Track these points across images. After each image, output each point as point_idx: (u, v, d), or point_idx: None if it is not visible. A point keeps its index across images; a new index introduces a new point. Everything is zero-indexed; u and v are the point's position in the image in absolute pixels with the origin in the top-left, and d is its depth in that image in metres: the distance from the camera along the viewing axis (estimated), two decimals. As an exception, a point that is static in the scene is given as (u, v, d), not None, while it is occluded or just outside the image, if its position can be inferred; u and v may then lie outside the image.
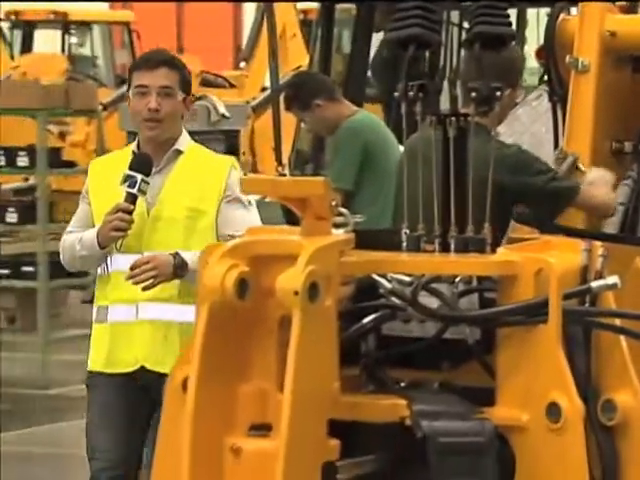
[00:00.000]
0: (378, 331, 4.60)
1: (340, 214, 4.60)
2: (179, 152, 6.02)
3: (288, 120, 8.96)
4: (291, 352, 4.21)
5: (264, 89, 16.21)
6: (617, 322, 4.58)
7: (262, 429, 4.33)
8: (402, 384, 4.58)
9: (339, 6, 9.44)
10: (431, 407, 4.39)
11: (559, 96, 6.25)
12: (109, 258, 5.94)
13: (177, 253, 5.82)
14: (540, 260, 4.48)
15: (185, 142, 6.07)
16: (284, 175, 8.66)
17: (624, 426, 4.52)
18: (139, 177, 5.77)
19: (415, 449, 4.36)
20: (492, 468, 4.32)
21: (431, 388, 4.59)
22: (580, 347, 4.51)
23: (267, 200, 8.73)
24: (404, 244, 4.63)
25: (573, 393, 4.36)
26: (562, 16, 6.25)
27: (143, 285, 5.83)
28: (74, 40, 20.58)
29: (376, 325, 4.57)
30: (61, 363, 12.15)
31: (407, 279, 4.54)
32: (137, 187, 5.76)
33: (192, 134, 9.94)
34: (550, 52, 6.24)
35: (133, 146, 6.04)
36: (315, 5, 9.81)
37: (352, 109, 7.25)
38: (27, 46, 19.88)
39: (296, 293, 4.19)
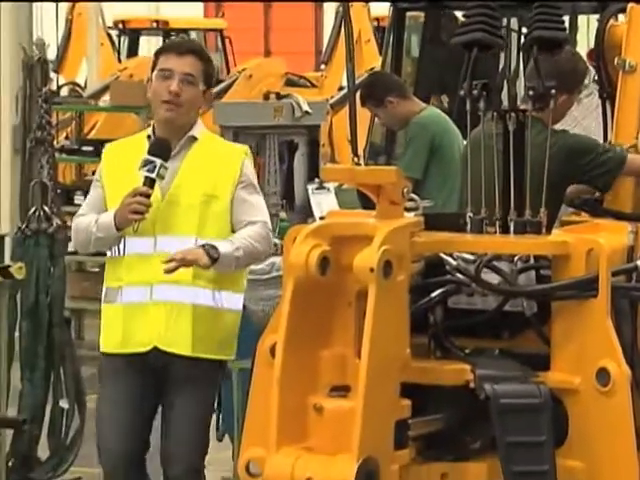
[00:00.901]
0: (445, 304, 4.60)
1: (411, 199, 4.59)
2: (194, 138, 5.51)
3: (363, 116, 8.94)
4: (367, 322, 4.22)
5: (341, 88, 16.20)
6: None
7: (341, 390, 4.34)
8: (466, 351, 4.57)
9: (409, 13, 9.41)
10: (492, 372, 4.38)
11: (608, 94, 6.22)
12: (123, 241, 5.45)
13: (202, 244, 5.36)
14: (591, 241, 4.46)
15: (200, 130, 5.56)
16: (359, 165, 8.64)
17: (667, 389, 4.51)
18: (158, 162, 5.29)
19: (478, 409, 4.36)
20: (547, 426, 4.31)
21: (492, 355, 4.58)
22: (627, 319, 4.50)
23: (344, 187, 8.78)
24: (468, 226, 4.62)
25: (620, 360, 4.34)
26: (611, 22, 6.21)
27: (186, 265, 5.32)
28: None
29: (443, 298, 4.58)
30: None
31: (471, 257, 4.54)
32: (156, 172, 5.29)
33: (279, 128, 10.02)
34: (600, 54, 6.20)
35: (149, 131, 5.57)
36: (387, 13, 9.77)
37: (421, 106, 7.24)
38: (133, 51, 19.98)
39: (372, 270, 4.20)
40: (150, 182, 5.31)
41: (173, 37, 20.13)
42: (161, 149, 5.34)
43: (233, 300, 5.56)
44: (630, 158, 5.72)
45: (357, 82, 9.49)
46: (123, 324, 5.43)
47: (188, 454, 5.55)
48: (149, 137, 5.47)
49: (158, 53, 5.55)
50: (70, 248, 5.72)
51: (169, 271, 5.24)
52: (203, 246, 5.28)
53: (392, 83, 7.46)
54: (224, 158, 5.52)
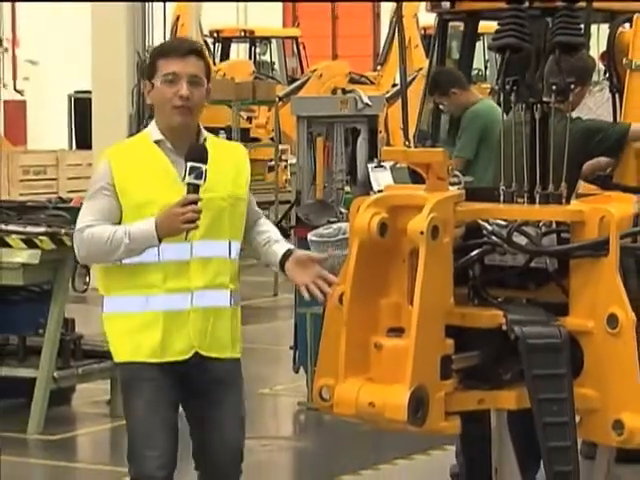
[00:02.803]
0: (482, 261, 4.57)
1: (455, 175, 4.57)
2: (206, 141, 4.46)
3: (413, 108, 8.90)
4: (418, 276, 4.20)
5: (394, 85, 16.15)
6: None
7: (397, 331, 4.33)
8: (499, 300, 4.54)
9: (451, 23, 9.35)
10: (521, 317, 4.35)
11: (617, 89, 6.16)
12: (158, 249, 4.34)
13: (289, 250, 4.54)
14: (603, 210, 4.42)
15: (204, 130, 4.50)
16: (410, 147, 8.60)
17: (666, 332, 4.46)
18: (204, 167, 4.26)
19: (509, 347, 4.33)
20: (566, 362, 4.28)
21: (521, 303, 4.55)
22: (632, 273, 4.45)
23: (398, 166, 8.75)
24: (501, 197, 4.58)
25: (627, 307, 4.30)
26: (620, 29, 6.15)
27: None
28: (258, 50, 20.65)
29: (480, 257, 4.54)
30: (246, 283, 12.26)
31: (503, 223, 4.51)
32: (204, 177, 4.26)
33: (344, 117, 10.02)
34: (610, 56, 6.15)
35: (151, 135, 4.42)
36: (433, 23, 9.71)
37: (478, 97, 7.17)
38: (225, 55, 20.01)
39: (422, 233, 4.19)
40: (195, 189, 4.28)
41: (257, 44, 20.15)
42: (201, 154, 4.32)
43: (237, 298, 4.58)
44: (633, 126, 5.67)
45: (407, 80, 9.44)
46: (162, 332, 4.33)
47: (239, 451, 4.57)
48: (158, 142, 4.39)
49: (156, 57, 4.43)
50: (81, 254, 4.39)
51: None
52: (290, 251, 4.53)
53: (455, 77, 7.40)
54: (234, 158, 4.54)
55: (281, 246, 4.51)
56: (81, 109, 17.11)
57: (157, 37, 10.17)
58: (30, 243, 7.35)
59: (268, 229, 4.61)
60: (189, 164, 4.26)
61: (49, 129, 23.27)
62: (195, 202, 4.26)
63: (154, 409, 4.34)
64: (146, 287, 4.33)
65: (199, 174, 4.26)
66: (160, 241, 4.27)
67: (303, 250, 4.38)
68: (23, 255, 7.32)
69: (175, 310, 4.34)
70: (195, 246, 4.35)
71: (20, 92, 25.70)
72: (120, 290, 4.36)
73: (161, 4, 10.17)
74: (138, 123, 8.78)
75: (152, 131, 4.41)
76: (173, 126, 4.37)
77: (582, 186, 5.58)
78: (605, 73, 6.37)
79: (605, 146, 5.54)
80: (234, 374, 4.52)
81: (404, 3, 9.56)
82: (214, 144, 4.46)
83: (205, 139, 4.42)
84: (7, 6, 25.36)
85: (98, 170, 4.41)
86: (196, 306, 4.37)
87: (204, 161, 4.27)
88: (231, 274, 4.44)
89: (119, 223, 4.33)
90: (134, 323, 4.35)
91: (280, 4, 24.42)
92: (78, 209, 7.97)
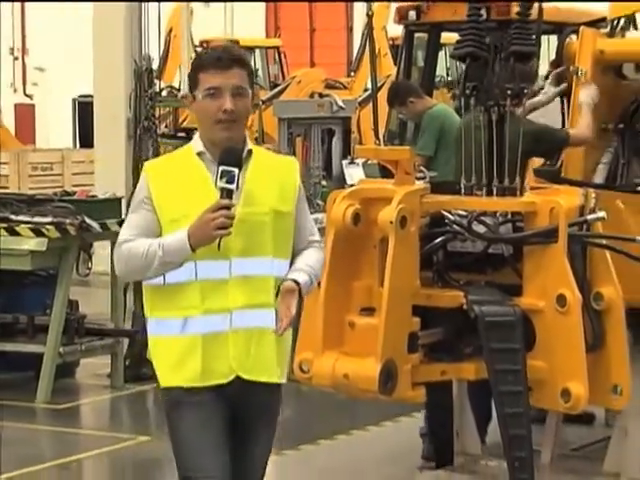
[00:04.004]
0: (445, 248, 4.57)
1: (420, 171, 4.57)
2: (250, 152, 3.70)
3: (382, 110, 8.89)
4: (388, 261, 4.20)
5: (366, 90, 16.12)
6: (603, 242, 4.52)
7: (369, 310, 4.33)
8: (460, 282, 4.54)
9: (416, 35, 9.35)
10: (480, 297, 4.36)
11: (565, 93, 6.15)
12: (194, 266, 3.61)
13: (295, 280, 3.63)
14: (553, 201, 4.42)
15: (249, 141, 3.77)
16: (380, 146, 8.59)
17: (608, 309, 4.47)
18: (236, 171, 3.56)
19: (469, 325, 4.34)
20: (520, 337, 4.29)
21: (480, 285, 4.55)
22: (579, 258, 4.46)
23: (370, 162, 8.75)
24: (462, 190, 4.58)
25: (574, 288, 4.31)
26: (567, 39, 6.14)
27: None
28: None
29: (443, 244, 4.55)
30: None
31: (464, 214, 4.51)
32: (236, 181, 3.55)
33: (321, 119, 10.02)
34: (560, 63, 6.14)
35: (196, 148, 3.71)
36: (400, 34, 9.71)
37: (433, 102, 7.16)
38: (213, 63, 19.89)
39: (391, 222, 4.19)
40: (228, 194, 3.56)
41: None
42: (234, 158, 3.62)
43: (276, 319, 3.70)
44: (571, 134, 5.67)
45: (377, 85, 9.43)
46: (202, 355, 3.62)
47: None
48: (200, 154, 3.69)
49: (198, 70, 3.71)
50: (120, 269, 3.71)
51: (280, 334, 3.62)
52: (297, 285, 3.62)
53: (411, 87, 7.38)
54: (281, 171, 3.75)
55: (289, 274, 3.68)
56: (84, 112, 17.05)
57: (152, 47, 10.14)
58: (38, 232, 7.32)
59: (302, 255, 3.72)
60: (220, 167, 3.56)
61: (55, 130, 23.19)
62: (228, 207, 3.53)
63: (201, 430, 3.64)
64: (184, 308, 3.63)
65: (231, 178, 3.56)
66: (194, 250, 3.55)
67: (289, 280, 3.62)
68: (31, 243, 7.29)
69: (214, 332, 3.61)
70: (234, 263, 3.61)
71: (29, 96, 25.59)
72: (160, 311, 3.67)
73: (156, 18, 10.13)
74: (135, 125, 8.74)
75: (195, 143, 3.72)
76: (217, 141, 3.65)
77: (533, 180, 5.57)
78: (547, 78, 6.37)
79: (546, 148, 5.53)
80: (275, 402, 3.72)
81: (374, 17, 9.51)
82: (260, 155, 3.73)
83: (250, 150, 3.69)
84: (17, 17, 25.22)
85: (139, 184, 3.78)
86: (236, 327, 3.61)
87: (237, 164, 3.57)
88: (274, 293, 3.64)
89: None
90: (175, 347, 3.65)
91: (263, 18, 24.37)
92: (81, 201, 8.02)
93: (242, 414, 3.68)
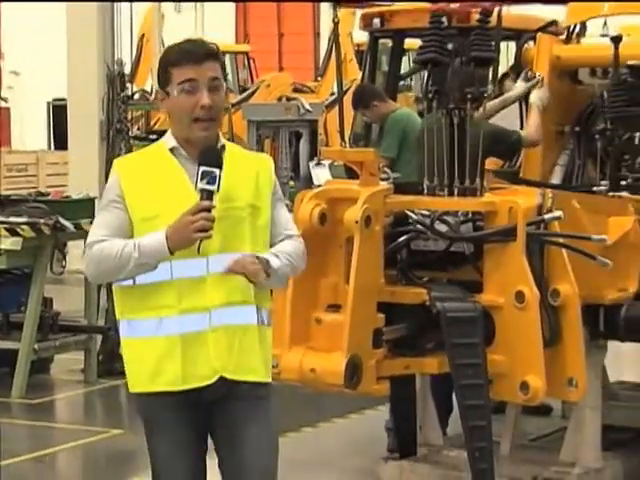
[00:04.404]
0: (408, 246, 4.57)
1: (384, 172, 4.56)
2: (224, 148, 3.43)
3: (348, 113, 8.89)
4: (353, 259, 4.20)
5: (332, 94, 16.12)
6: (560, 240, 4.53)
7: (335, 307, 4.32)
8: (423, 280, 4.54)
9: (380, 41, 9.36)
10: (442, 294, 4.36)
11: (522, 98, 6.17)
12: (169, 264, 3.32)
13: (255, 255, 3.35)
14: (511, 201, 4.43)
15: (221, 137, 3.47)
16: (346, 148, 8.59)
17: (564, 306, 4.48)
18: (217, 172, 3.29)
19: (432, 320, 4.34)
20: (480, 332, 4.30)
21: (442, 282, 4.56)
22: (536, 256, 4.47)
23: (336, 163, 8.75)
24: (425, 191, 4.58)
25: (532, 285, 4.32)
26: (525, 46, 6.17)
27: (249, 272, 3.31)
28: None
29: (407, 243, 4.55)
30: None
31: (427, 213, 4.51)
32: (217, 182, 3.28)
33: (288, 122, 10.02)
34: (518, 68, 6.16)
35: (168, 143, 3.40)
36: (365, 40, 9.72)
37: (396, 106, 7.16)
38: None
39: (356, 222, 4.18)
40: (208, 195, 3.29)
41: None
42: (215, 158, 3.34)
43: (268, 316, 3.47)
44: (522, 136, 5.68)
45: (343, 89, 9.44)
46: (182, 357, 3.32)
47: (269, 473, 3.45)
48: (173, 150, 3.39)
49: (169, 65, 3.38)
50: (90, 272, 3.40)
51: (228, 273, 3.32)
52: (258, 258, 3.33)
53: (375, 91, 7.38)
54: (256, 167, 3.48)
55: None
56: (58, 115, 16.94)
57: (125, 52, 10.09)
58: (13, 232, 7.26)
59: (276, 245, 3.45)
60: (201, 168, 3.29)
61: (30, 132, 23.03)
62: (208, 209, 3.26)
63: (178, 453, 3.36)
64: (159, 308, 3.33)
65: (212, 179, 3.28)
66: (172, 253, 3.28)
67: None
68: (6, 242, 7.23)
69: (193, 332, 3.32)
70: (211, 261, 3.33)
71: (4, 99, 25.41)
72: (133, 313, 3.37)
73: (128, 24, 10.09)
74: (108, 127, 8.70)
75: (167, 139, 3.42)
76: (194, 140, 3.36)
77: (492, 181, 5.59)
78: (501, 82, 6.39)
79: (502, 150, 5.55)
80: (266, 400, 3.42)
81: (340, 23, 9.50)
82: (233, 152, 3.46)
83: (223, 146, 3.42)
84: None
85: (108, 182, 3.47)
86: (215, 326, 3.32)
87: (218, 165, 3.30)
88: (255, 290, 3.38)
89: (131, 238, 3.36)
90: (151, 349, 3.34)
91: (233, 24, 24.30)
92: (55, 201, 7.97)
93: (228, 415, 3.37)
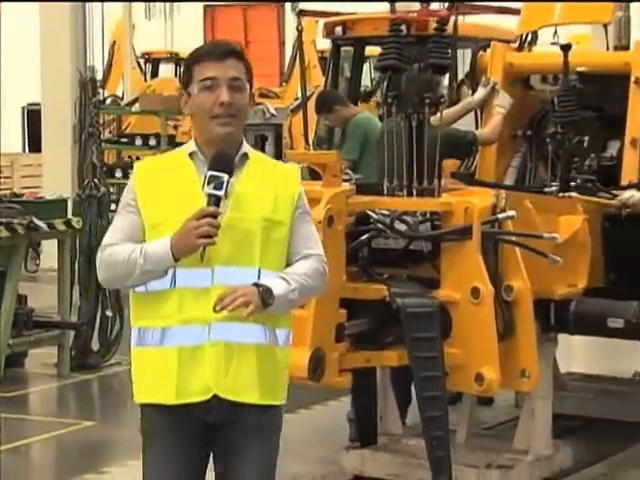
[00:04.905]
0: (369, 245, 4.56)
1: (346, 173, 4.55)
2: (247, 156, 3.14)
3: (311, 117, 8.88)
4: (317, 257, 4.17)
5: (297, 99, 16.10)
6: (513, 238, 4.55)
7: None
8: (384, 276, 4.54)
9: (343, 48, 9.37)
10: (402, 290, 4.36)
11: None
12: (173, 273, 3.07)
13: (255, 282, 3.03)
14: (467, 201, 4.44)
15: (247, 145, 3.19)
16: (310, 150, 8.59)
17: (517, 301, 4.50)
18: (225, 177, 3.03)
19: (392, 315, 4.34)
20: (438, 327, 4.30)
21: (401, 279, 4.56)
22: (491, 254, 4.48)
23: (300, 165, 8.74)
24: (385, 192, 4.58)
25: (487, 281, 4.34)
26: (480, 53, 6.19)
27: (235, 308, 2.99)
28: (183, 69, 20.42)
29: (368, 241, 4.54)
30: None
31: (387, 213, 4.51)
32: (224, 188, 3.02)
33: (255, 125, 9.97)
34: (473, 74, 6.18)
35: (189, 148, 3.16)
36: (328, 47, 9.72)
37: (357, 110, 7.17)
38: (154, 73, 19.72)
39: (320, 222, 4.16)
40: (216, 201, 3.03)
41: (182, 64, 19.90)
42: (225, 163, 3.07)
43: (286, 337, 3.15)
44: (477, 135, 5.69)
45: (307, 94, 9.45)
46: (178, 371, 3.06)
47: None
48: (192, 154, 3.14)
49: (192, 63, 3.18)
50: (101, 276, 3.17)
51: (217, 312, 3.01)
52: (257, 286, 3.01)
53: (337, 96, 7.39)
54: (280, 179, 3.15)
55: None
56: (33, 119, 16.83)
57: (96, 59, 10.02)
58: (-12, 231, 7.20)
59: (293, 265, 3.12)
60: (209, 173, 3.03)
61: (5, 136, 22.87)
62: (214, 215, 3.00)
63: (170, 469, 3.10)
64: (162, 318, 3.09)
65: (219, 184, 3.02)
66: (176, 260, 3.02)
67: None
68: (-18, 241, 7.17)
69: (190, 345, 3.04)
70: (217, 272, 3.05)
71: (-20, 104, 25.21)
72: (141, 320, 3.14)
73: (99, 32, 10.02)
74: (80, 131, 8.63)
75: (189, 144, 3.18)
76: (213, 139, 3.09)
77: (449, 182, 5.60)
78: (459, 87, 6.41)
79: (459, 150, 5.57)
80: (266, 422, 3.10)
81: (304, 31, 9.49)
82: (257, 162, 3.15)
83: (246, 154, 3.12)
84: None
85: (127, 185, 3.23)
86: (214, 340, 3.03)
87: (227, 171, 3.04)
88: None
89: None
90: (152, 359, 3.11)
91: (201, 32, 24.20)
92: (29, 202, 7.89)
93: (225, 435, 3.08)
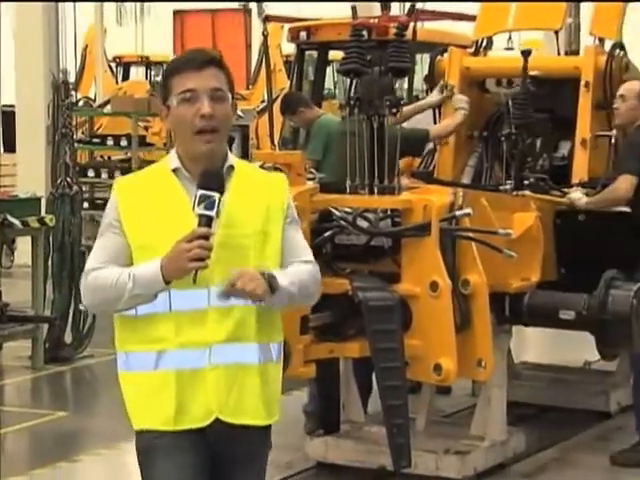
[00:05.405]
0: (333, 241, 4.55)
1: (311, 173, 4.54)
2: (232, 168, 2.87)
3: (277, 119, 8.86)
4: (282, 252, 4.15)
5: (263, 101, 16.07)
6: (470, 235, 4.56)
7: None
8: (346, 271, 4.53)
9: (307, 52, 9.37)
10: (363, 284, 4.36)
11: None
12: (168, 295, 2.81)
13: (261, 271, 2.78)
14: (426, 199, 4.45)
15: (232, 156, 2.91)
16: (275, 151, 8.58)
17: (473, 294, 4.51)
18: (217, 196, 2.75)
19: (354, 309, 4.33)
20: (398, 319, 4.30)
21: (363, 273, 4.55)
22: (449, 249, 4.49)
23: (266, 165, 8.71)
24: (348, 190, 4.57)
25: (445, 276, 4.34)
26: (438, 57, 6.20)
27: (250, 292, 2.73)
28: (153, 72, 20.31)
29: (331, 237, 4.53)
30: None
31: (349, 210, 4.50)
32: (216, 208, 2.75)
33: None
34: (432, 78, 6.20)
35: (170, 163, 2.87)
36: (293, 52, 9.71)
37: (320, 112, 7.15)
38: (126, 76, 19.61)
39: (285, 218, 4.14)
40: (207, 221, 2.75)
41: (152, 67, 19.81)
42: (215, 181, 2.78)
43: (278, 350, 2.91)
44: (430, 131, 5.70)
45: (273, 97, 9.43)
46: (176, 395, 2.81)
47: None
48: (175, 170, 2.86)
49: (170, 74, 2.87)
50: (86, 301, 2.92)
51: (225, 297, 2.77)
52: (262, 273, 2.78)
53: (301, 98, 7.38)
54: (268, 189, 2.91)
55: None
56: (7, 120, 16.67)
57: (69, 62, 9.95)
58: (-37, 228, 7.12)
59: (290, 267, 2.88)
60: (199, 192, 2.75)
61: (-20, 136, 22.65)
62: (205, 237, 2.73)
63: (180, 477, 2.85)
64: (157, 342, 2.83)
65: (211, 204, 2.75)
66: (167, 283, 2.77)
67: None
68: (-43, 238, 7.09)
69: (189, 369, 2.80)
70: (213, 292, 2.80)
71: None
72: (132, 345, 2.87)
73: (72, 36, 9.95)
74: (54, 132, 8.56)
75: (170, 159, 2.89)
76: (197, 155, 2.82)
77: (409, 180, 5.60)
78: (427, 91, 6.42)
79: (414, 147, 5.58)
80: (262, 446, 2.92)
81: (269, 36, 9.47)
82: (243, 173, 2.88)
83: (231, 167, 2.86)
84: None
85: (108, 204, 2.95)
86: (215, 363, 2.80)
87: (218, 189, 2.76)
88: (260, 325, 2.84)
89: (132, 265, 2.84)
90: (147, 385, 2.86)
91: (171, 36, 24.09)
92: (4, 200, 7.80)
93: (224, 460, 2.87)
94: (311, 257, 2.93)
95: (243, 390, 2.83)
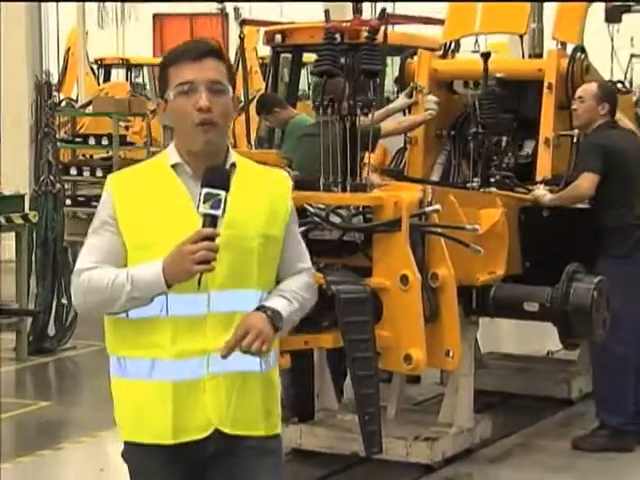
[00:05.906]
0: (307, 236, 4.52)
1: (286, 170, 4.50)
2: (234, 166, 2.60)
3: (253, 119, 8.85)
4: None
5: (240, 101, 16.04)
6: (438, 230, 4.56)
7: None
8: (320, 265, 4.52)
9: (282, 55, 9.34)
10: (336, 278, 4.34)
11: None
12: (165, 299, 2.53)
13: (262, 306, 2.57)
14: (396, 196, 4.44)
15: (233, 152, 2.65)
16: (251, 149, 8.55)
17: (442, 287, 4.51)
18: (223, 194, 2.47)
19: (328, 301, 4.32)
20: (370, 311, 4.28)
21: (336, 267, 4.54)
22: (418, 244, 4.49)
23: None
24: (321, 187, 4.56)
25: (414, 269, 4.33)
26: (408, 60, 6.20)
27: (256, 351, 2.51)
28: (133, 74, 20.21)
29: (305, 233, 4.50)
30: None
31: (323, 207, 4.49)
32: (222, 207, 2.47)
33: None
34: (402, 79, 6.20)
35: (169, 159, 2.60)
36: (268, 54, 9.68)
37: (295, 112, 7.14)
38: (107, 78, 19.49)
39: (261, 214, 4.11)
40: (212, 221, 2.47)
41: (133, 69, 19.72)
42: (221, 178, 2.51)
43: (275, 356, 2.70)
44: (381, 126, 5.66)
45: (249, 98, 9.42)
46: (174, 407, 2.54)
47: None
48: (175, 166, 2.59)
49: (167, 66, 2.59)
50: (78, 302, 2.59)
51: (260, 353, 2.52)
52: (264, 310, 2.55)
53: (276, 99, 7.36)
54: (271, 188, 2.65)
55: (267, 301, 2.62)
56: (-9, 119, 16.61)
57: (52, 64, 9.88)
58: (-51, 224, 7.06)
59: (286, 280, 2.68)
60: (204, 190, 2.48)
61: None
62: (211, 238, 2.46)
63: None
64: (152, 348, 2.55)
65: (217, 202, 2.47)
66: (169, 287, 2.49)
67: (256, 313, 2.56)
68: (-57, 234, 7.02)
69: (188, 379, 2.54)
70: (213, 297, 2.54)
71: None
72: (125, 350, 2.59)
73: (55, 38, 9.89)
74: (37, 131, 8.50)
75: (169, 153, 2.61)
76: (196, 150, 2.56)
77: (380, 178, 5.59)
78: (398, 91, 6.41)
79: (365, 142, 5.58)
80: (266, 458, 2.63)
81: (246, 39, 9.45)
82: (245, 171, 2.63)
83: (234, 164, 2.60)
84: None
85: (101, 200, 2.64)
86: (214, 372, 2.54)
87: (223, 187, 2.49)
88: None
89: (126, 265, 2.57)
90: (140, 394, 2.57)
91: (151, 39, 23.96)
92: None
93: (227, 471, 2.60)
94: (308, 262, 2.74)
95: (243, 400, 2.57)
